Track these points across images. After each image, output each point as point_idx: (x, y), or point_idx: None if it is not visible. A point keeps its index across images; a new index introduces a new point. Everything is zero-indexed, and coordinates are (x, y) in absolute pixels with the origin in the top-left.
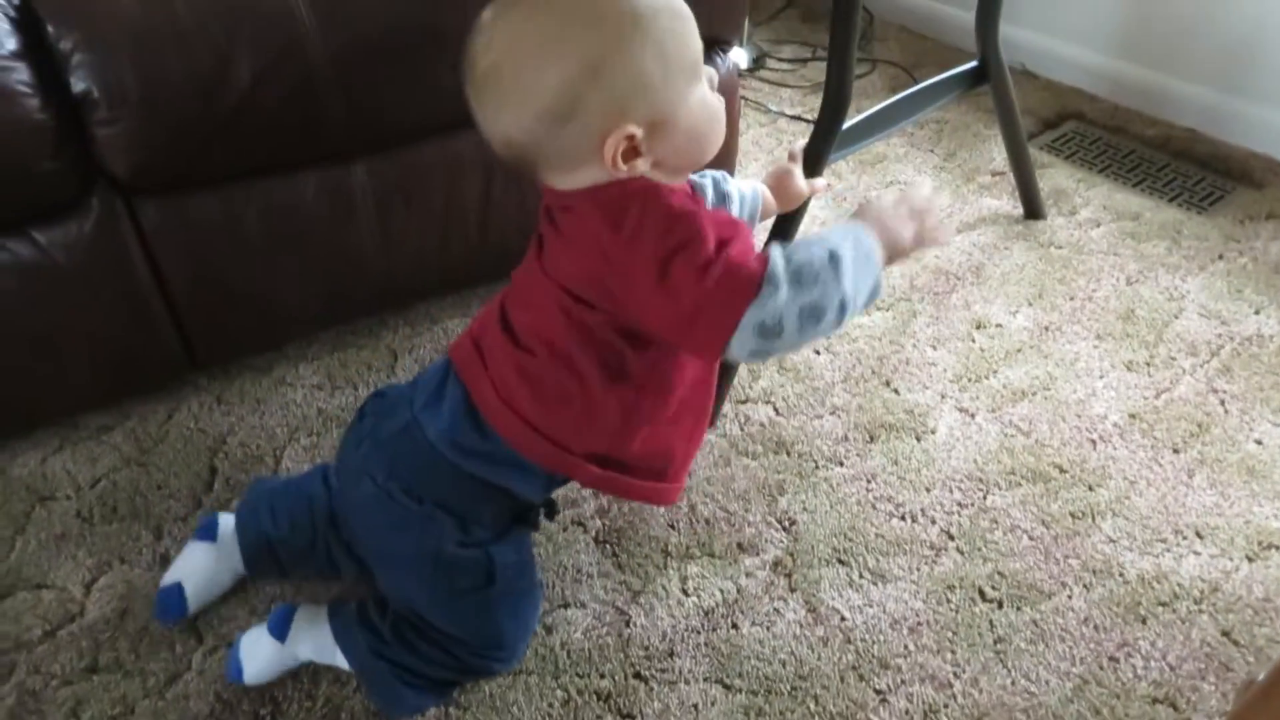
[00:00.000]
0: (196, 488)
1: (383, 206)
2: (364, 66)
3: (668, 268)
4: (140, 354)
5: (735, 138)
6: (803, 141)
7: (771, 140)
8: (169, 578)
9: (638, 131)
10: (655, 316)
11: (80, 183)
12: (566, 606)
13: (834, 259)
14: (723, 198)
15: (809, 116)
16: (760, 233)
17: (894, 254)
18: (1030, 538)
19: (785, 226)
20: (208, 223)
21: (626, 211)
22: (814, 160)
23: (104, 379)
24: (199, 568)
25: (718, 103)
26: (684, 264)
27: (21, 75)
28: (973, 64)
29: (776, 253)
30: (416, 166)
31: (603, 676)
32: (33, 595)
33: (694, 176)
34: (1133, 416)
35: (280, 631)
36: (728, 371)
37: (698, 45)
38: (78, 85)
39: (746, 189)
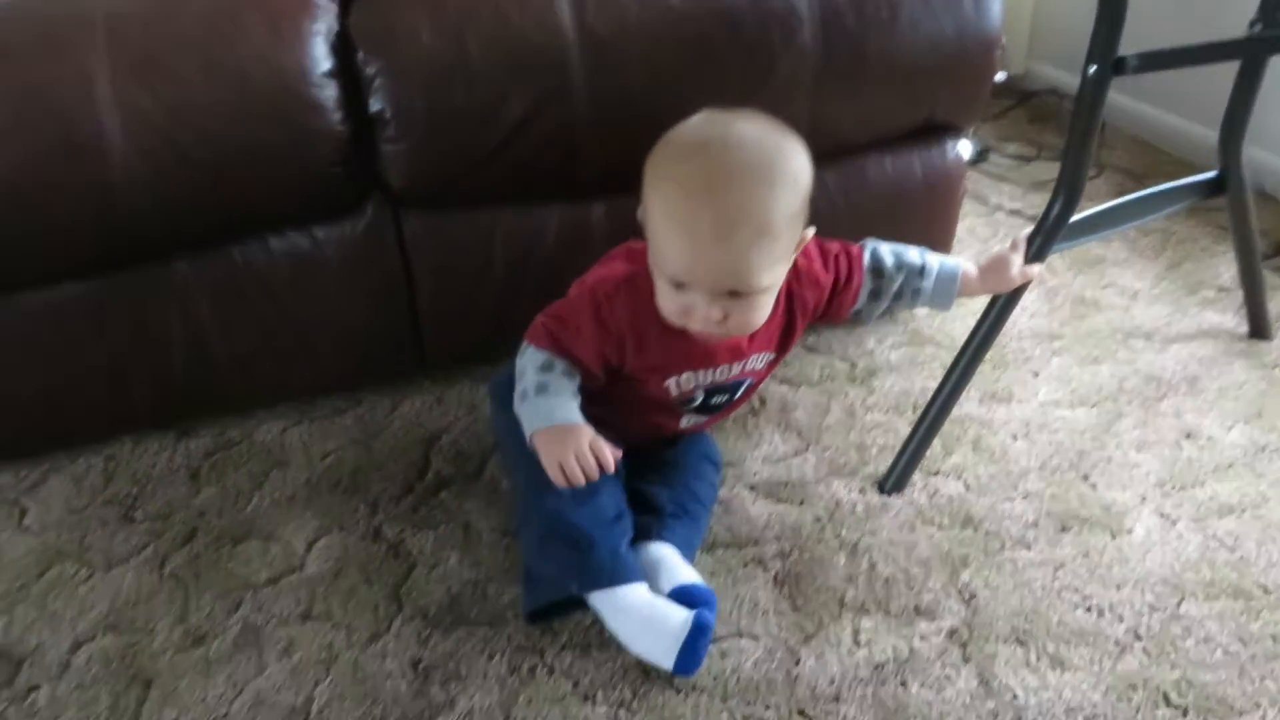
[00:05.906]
0: (410, 475)
1: (613, 245)
2: (621, 115)
3: None
4: (379, 349)
5: (953, 224)
6: (1027, 230)
7: (987, 230)
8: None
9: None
10: None
11: (360, 190)
12: (740, 636)
13: (524, 395)
14: (921, 270)
15: (1028, 212)
16: (968, 316)
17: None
18: (1225, 652)
19: (1000, 309)
20: (460, 239)
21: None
22: (1038, 247)
23: (345, 367)
24: None
25: (676, 308)
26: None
27: (331, 92)
28: (1212, 174)
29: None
30: None
31: (768, 708)
32: (262, 544)
33: (893, 251)
34: None
35: None
36: (920, 447)
37: (675, 256)
38: (375, 105)
39: (948, 268)
